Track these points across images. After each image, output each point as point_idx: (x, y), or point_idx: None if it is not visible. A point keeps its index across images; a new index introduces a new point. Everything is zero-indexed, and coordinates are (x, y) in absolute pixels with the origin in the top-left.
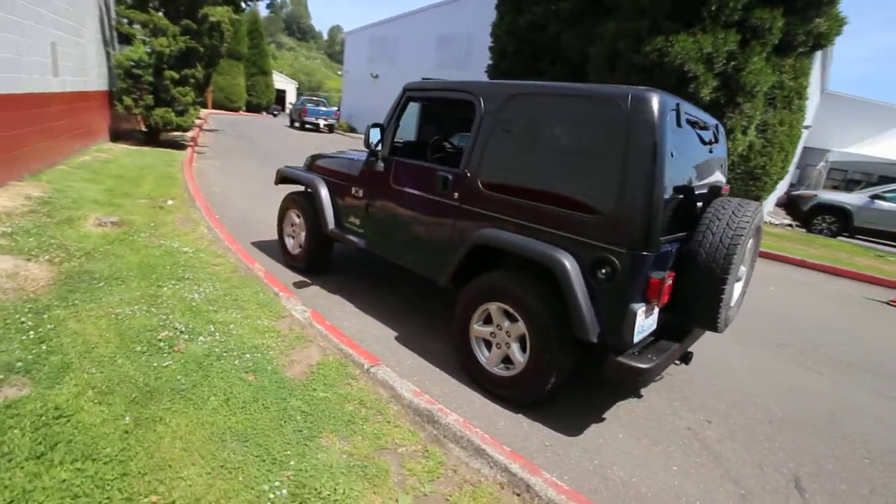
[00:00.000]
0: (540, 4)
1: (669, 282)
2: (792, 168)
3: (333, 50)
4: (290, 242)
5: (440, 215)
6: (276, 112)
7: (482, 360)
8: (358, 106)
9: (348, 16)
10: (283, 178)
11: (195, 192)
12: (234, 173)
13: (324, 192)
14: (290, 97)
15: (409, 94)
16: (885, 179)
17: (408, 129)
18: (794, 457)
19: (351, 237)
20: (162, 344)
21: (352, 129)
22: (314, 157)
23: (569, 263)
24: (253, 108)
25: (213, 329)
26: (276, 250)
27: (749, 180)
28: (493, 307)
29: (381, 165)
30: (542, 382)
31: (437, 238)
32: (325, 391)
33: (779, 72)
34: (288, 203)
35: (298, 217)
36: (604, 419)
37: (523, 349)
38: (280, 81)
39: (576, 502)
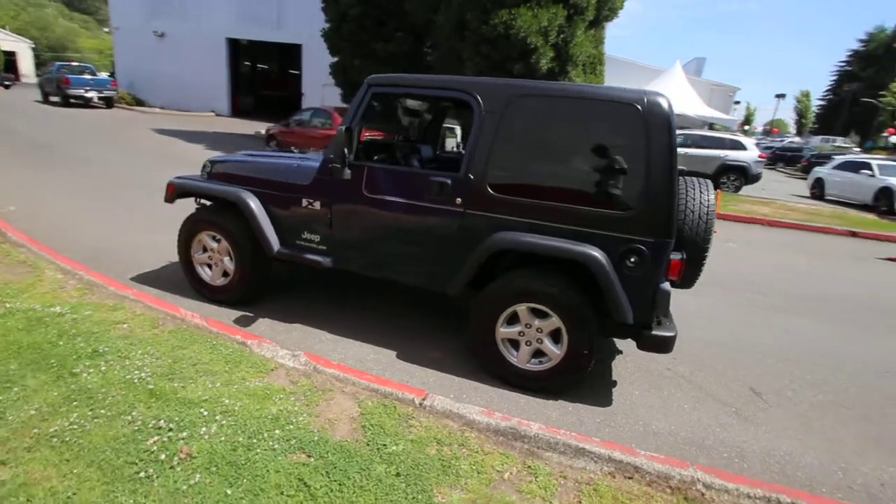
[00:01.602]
0: None
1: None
2: None
3: None
4: (206, 273)
5: (438, 223)
6: (8, 83)
7: (512, 360)
8: (140, 71)
9: None
10: (182, 194)
11: None
12: (15, 181)
13: (256, 208)
14: (25, 62)
15: (374, 90)
16: None
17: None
18: (749, 375)
19: (310, 256)
20: (160, 455)
21: (139, 102)
22: (216, 163)
23: (602, 257)
24: None
25: (205, 413)
26: (175, 282)
27: None
28: (522, 308)
29: (347, 173)
30: (583, 367)
31: (437, 248)
32: (395, 443)
33: (593, 42)
34: (197, 225)
35: (217, 240)
36: (615, 382)
37: (556, 341)
38: (5, 40)
39: (675, 465)
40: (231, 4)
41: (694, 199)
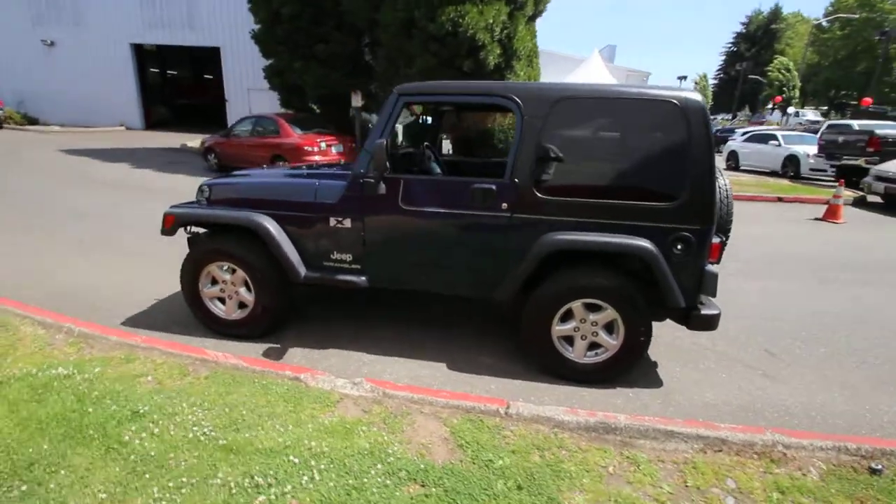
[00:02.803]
0: None
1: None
2: None
3: None
4: (219, 308)
5: (483, 230)
6: None
7: (569, 356)
8: (26, 87)
9: None
10: (185, 223)
11: None
12: None
13: (276, 232)
14: None
15: (404, 100)
16: None
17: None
18: (757, 337)
19: (342, 277)
20: None
21: (31, 121)
22: (215, 187)
23: (654, 249)
24: None
25: (296, 460)
26: (175, 321)
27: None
28: (577, 304)
29: (382, 187)
30: (639, 353)
31: (483, 255)
32: (499, 457)
33: (530, 36)
34: (205, 255)
35: (231, 271)
36: (655, 363)
37: (610, 332)
38: None
39: (754, 432)
40: (135, 9)
41: (719, 186)
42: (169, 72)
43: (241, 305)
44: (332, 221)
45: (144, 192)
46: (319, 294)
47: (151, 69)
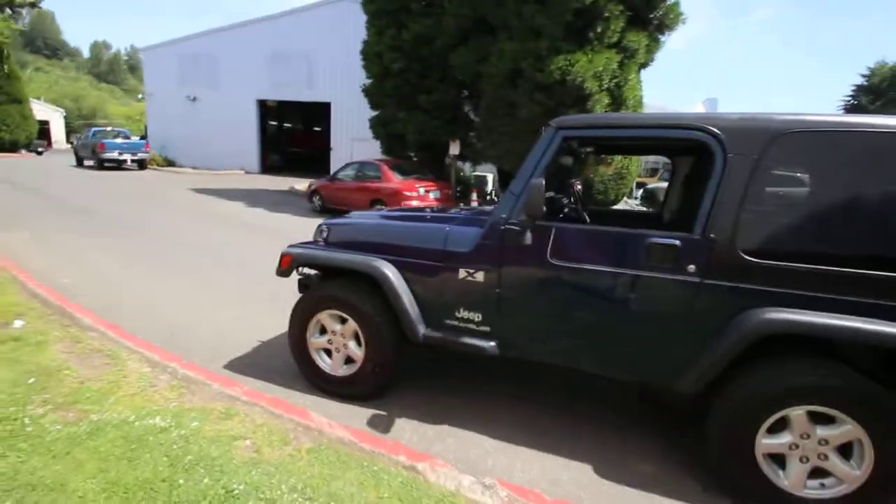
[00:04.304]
0: (427, 17)
1: None
2: None
3: (100, 70)
4: (326, 361)
5: (659, 298)
6: (41, 149)
7: (781, 483)
8: (171, 134)
9: (110, 29)
10: (302, 264)
11: (50, 293)
12: (62, 247)
13: (397, 280)
14: (57, 129)
15: (564, 134)
16: None
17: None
18: None
19: (468, 340)
20: None
21: (170, 163)
22: (334, 227)
23: None
24: (7, 146)
25: None
26: (276, 369)
27: (618, 179)
28: (798, 413)
29: (528, 236)
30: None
31: (657, 330)
32: None
33: (640, 86)
34: (317, 302)
35: (342, 321)
36: None
37: (847, 456)
38: (41, 110)
39: None
40: (264, 72)
41: None
42: (285, 124)
43: (349, 361)
44: (462, 273)
45: (254, 230)
46: (426, 355)
47: (270, 121)
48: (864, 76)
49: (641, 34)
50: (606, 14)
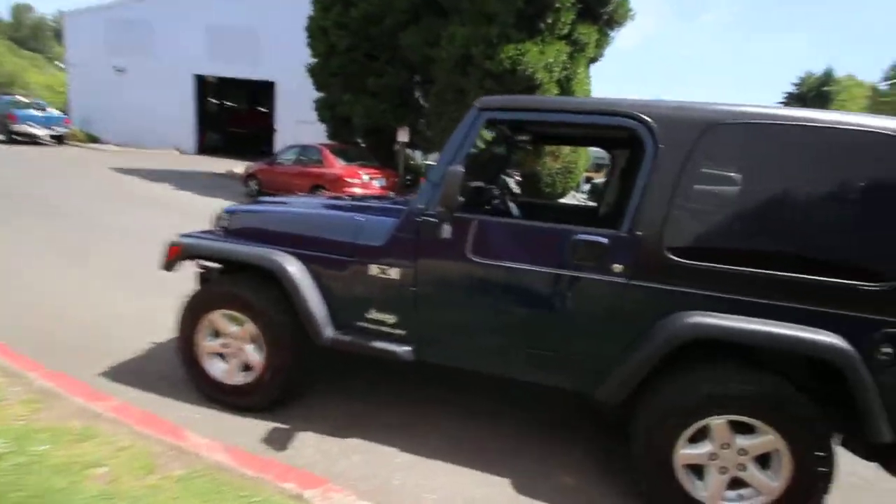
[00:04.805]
0: None
1: None
2: None
3: (22, 34)
4: (219, 368)
5: (583, 298)
6: None
7: (699, 495)
8: (96, 107)
9: None
10: (192, 256)
11: None
12: None
13: (301, 277)
14: None
15: (487, 117)
16: None
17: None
18: None
19: (379, 344)
20: None
21: (94, 139)
22: (236, 214)
23: (852, 349)
24: None
25: None
26: (168, 377)
27: (566, 173)
28: (718, 423)
29: (446, 230)
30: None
31: (580, 333)
32: None
33: (588, 81)
34: (211, 300)
35: (239, 323)
36: None
37: (765, 467)
38: None
39: None
40: (201, 42)
41: None
42: (227, 103)
43: (246, 368)
44: (375, 269)
45: (177, 215)
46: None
47: (211, 99)
48: (795, 84)
49: (592, 28)
50: (558, 5)
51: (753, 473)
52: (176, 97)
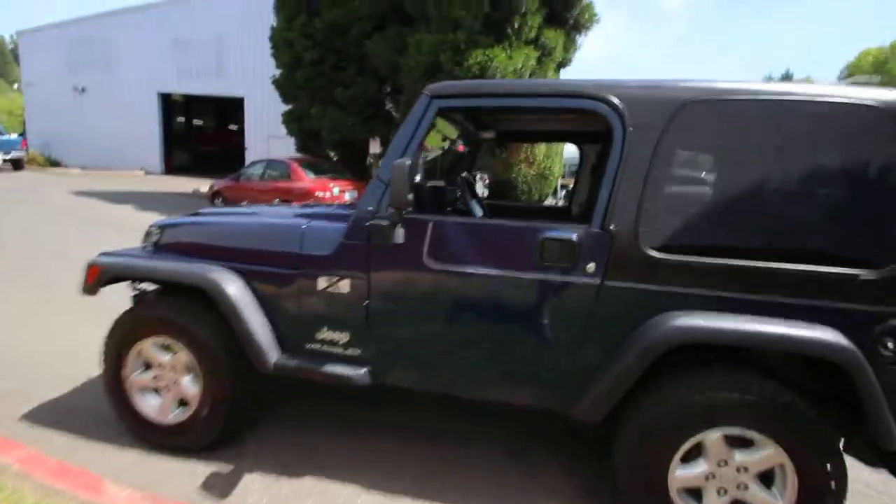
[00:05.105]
0: (342, 5)
1: None
2: None
3: None
4: (152, 404)
5: (554, 304)
6: None
7: None
8: (56, 129)
9: None
10: (114, 277)
11: None
12: None
13: (239, 296)
14: None
15: (439, 105)
16: None
17: None
18: None
19: (331, 369)
20: None
21: (54, 163)
22: (167, 228)
23: (854, 348)
24: None
25: None
26: (101, 416)
27: (542, 180)
28: (714, 437)
29: (399, 234)
30: None
31: (552, 344)
32: None
33: None
34: (139, 326)
35: (171, 351)
36: None
37: (768, 485)
38: None
39: None
40: (166, 59)
41: None
42: (195, 121)
43: (182, 402)
44: (323, 283)
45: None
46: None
47: (178, 118)
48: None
49: (559, 32)
50: (524, 9)
51: (756, 493)
52: (141, 117)
